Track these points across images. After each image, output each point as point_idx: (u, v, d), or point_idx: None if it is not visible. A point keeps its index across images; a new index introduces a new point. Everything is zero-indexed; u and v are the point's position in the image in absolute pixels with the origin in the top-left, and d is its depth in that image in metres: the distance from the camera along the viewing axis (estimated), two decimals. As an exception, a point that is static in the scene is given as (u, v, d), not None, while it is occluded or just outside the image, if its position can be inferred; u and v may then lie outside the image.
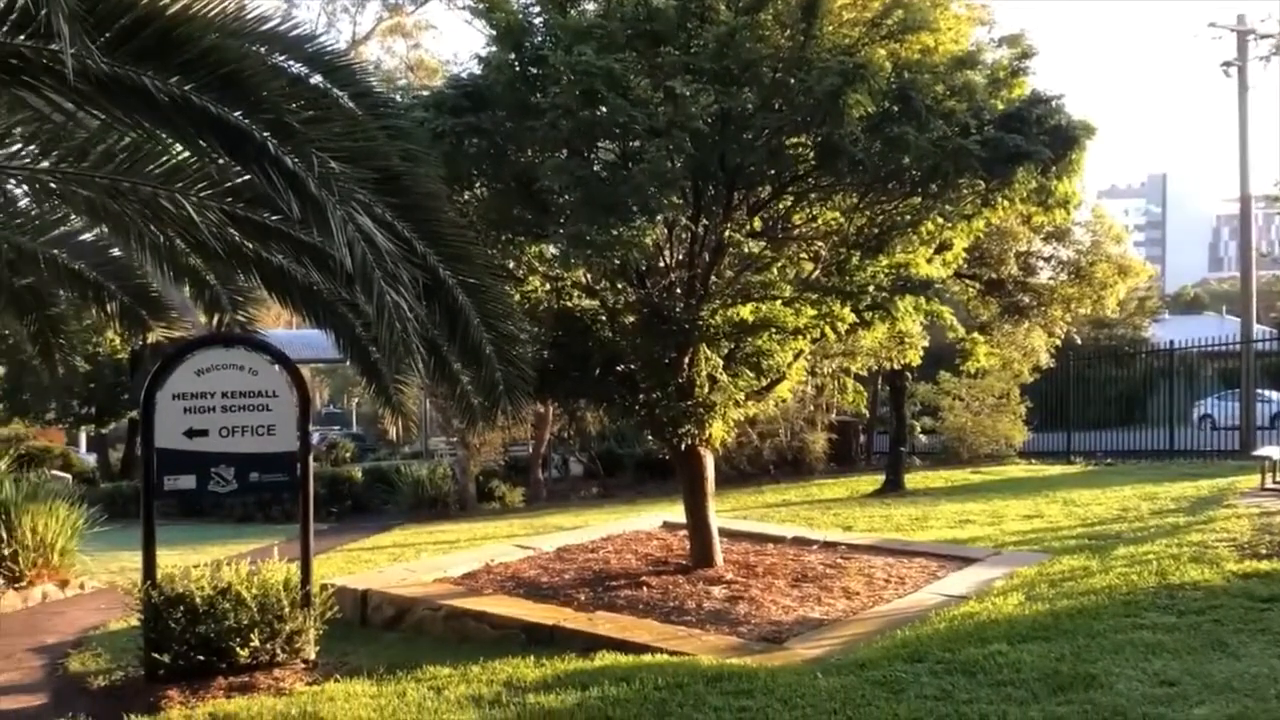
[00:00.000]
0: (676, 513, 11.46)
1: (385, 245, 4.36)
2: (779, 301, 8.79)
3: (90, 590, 11.14)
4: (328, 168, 4.08)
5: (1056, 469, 20.49)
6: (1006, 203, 8.87)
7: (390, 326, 4.46)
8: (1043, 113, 8.50)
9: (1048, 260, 19.03)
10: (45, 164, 5.30)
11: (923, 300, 9.04)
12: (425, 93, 9.58)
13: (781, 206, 9.37)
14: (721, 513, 10.89)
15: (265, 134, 4.03)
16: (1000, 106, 8.57)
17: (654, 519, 12.62)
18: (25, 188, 6.52)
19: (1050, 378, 22.83)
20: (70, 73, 3.10)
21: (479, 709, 5.98)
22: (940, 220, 9.00)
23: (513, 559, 10.48)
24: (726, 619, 7.90)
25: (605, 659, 6.80)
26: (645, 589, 8.85)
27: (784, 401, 13.01)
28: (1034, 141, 8.23)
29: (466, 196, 8.66)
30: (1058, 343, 20.28)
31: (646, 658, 6.77)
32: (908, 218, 8.94)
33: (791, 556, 10.14)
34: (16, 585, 10.55)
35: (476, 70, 8.73)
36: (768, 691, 5.83)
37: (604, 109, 7.73)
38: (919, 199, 8.88)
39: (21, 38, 3.72)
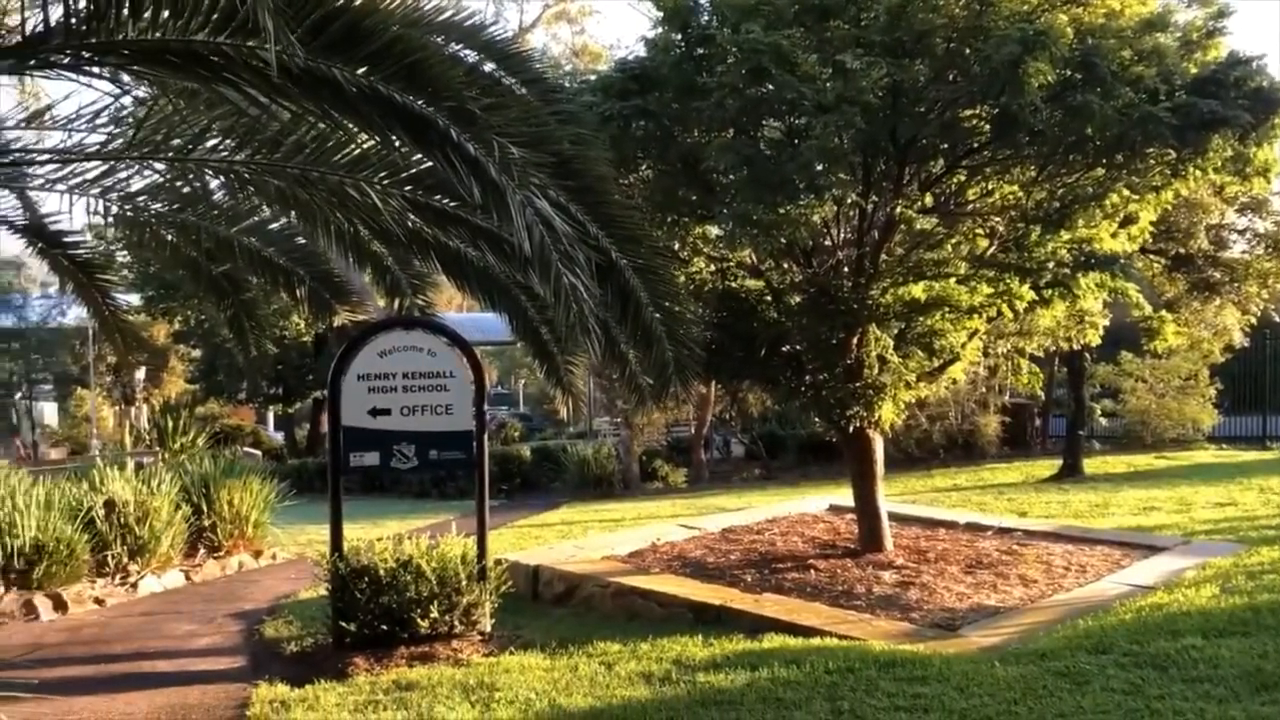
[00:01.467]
0: (842, 496, 11.30)
1: (563, 228, 4.43)
2: (953, 279, 8.53)
3: (281, 561, 11.79)
4: (507, 153, 4.17)
5: (1250, 455, 19.27)
6: (1199, 172, 8.32)
7: (567, 308, 4.53)
8: (1241, 75, 7.93)
9: (1242, 233, 17.87)
10: (241, 156, 5.60)
11: (1106, 277, 8.59)
12: (592, 77, 9.68)
13: (955, 181, 9.07)
14: (889, 497, 10.66)
15: (447, 121, 4.14)
16: (1193, 70, 8.04)
17: (819, 502, 12.47)
18: (221, 179, 6.90)
19: (1244, 358, 21.41)
20: (273, 67, 3.25)
21: (649, 686, 6.05)
22: (1126, 193, 8.53)
23: (678, 539, 10.55)
24: (897, 604, 7.75)
25: (774, 641, 6.78)
26: (812, 572, 8.76)
27: (955, 383, 12.62)
28: (1231, 106, 7.70)
29: (632, 179, 8.71)
30: (1253, 320, 18.99)
31: (815, 641, 6.71)
32: (1090, 190, 8.50)
33: (964, 542, 9.86)
34: (215, 554, 11.27)
35: (642, 53, 8.78)
36: (942, 679, 5.69)
37: (771, 86, 7.63)
38: (1103, 170, 8.44)
39: (223, 36, 3.93)
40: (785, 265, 9.01)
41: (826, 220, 8.71)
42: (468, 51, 5.05)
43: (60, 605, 9.06)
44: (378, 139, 4.99)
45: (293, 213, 6.91)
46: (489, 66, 5.18)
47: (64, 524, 9.50)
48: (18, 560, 9.07)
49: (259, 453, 21.88)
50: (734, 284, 9.26)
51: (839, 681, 5.75)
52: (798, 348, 9.03)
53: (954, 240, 8.92)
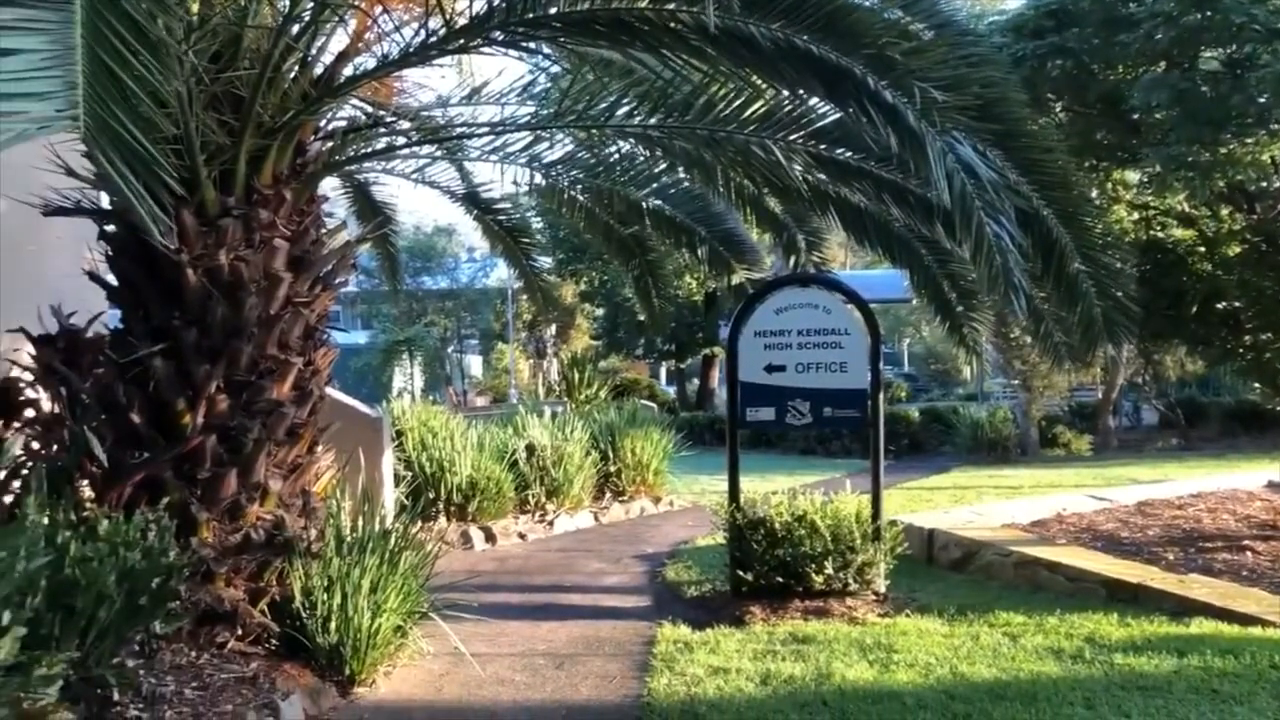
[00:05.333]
0: (1284, 472, 10.02)
1: (987, 175, 4.20)
2: None
3: (678, 508, 12.35)
4: (929, 97, 4.01)
5: None
6: None
7: (989, 261, 4.29)
8: None
9: None
10: (653, 120, 5.82)
11: None
12: (994, 18, 9.13)
13: None
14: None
15: (864, 70, 4.04)
16: None
17: (1255, 477, 11.16)
18: (631, 144, 7.25)
19: None
20: (712, 28, 3.32)
21: (1059, 662, 5.70)
22: None
23: (1085, 509, 9.86)
24: (1361, 599, 6.74)
25: (1204, 626, 6.15)
26: (1249, 554, 7.84)
27: None
28: None
29: (1043, 122, 8.14)
30: None
31: (1256, 630, 6.01)
32: None
33: None
34: (620, 498, 12.02)
35: (1057, -12, 8.13)
36: None
37: (1211, 11, 6.79)
38: None
39: (645, 2, 4.08)
40: (1223, 212, 8.04)
41: (1276, 160, 7.66)
42: (870, -1, 4.91)
43: (490, 537, 10.07)
44: (787, 94, 4.99)
45: (695, 173, 7.12)
46: (894, 13, 5.00)
47: (493, 464, 10.51)
48: (455, 495, 10.16)
49: (654, 406, 23.03)
50: (1159, 234, 8.41)
51: (1289, 679, 5.11)
52: (1235, 304, 8.07)
53: None
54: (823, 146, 5.69)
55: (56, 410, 5.81)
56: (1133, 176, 8.37)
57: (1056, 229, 5.09)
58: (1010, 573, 7.85)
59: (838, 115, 5.24)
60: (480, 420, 12.00)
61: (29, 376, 6.20)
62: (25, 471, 5.38)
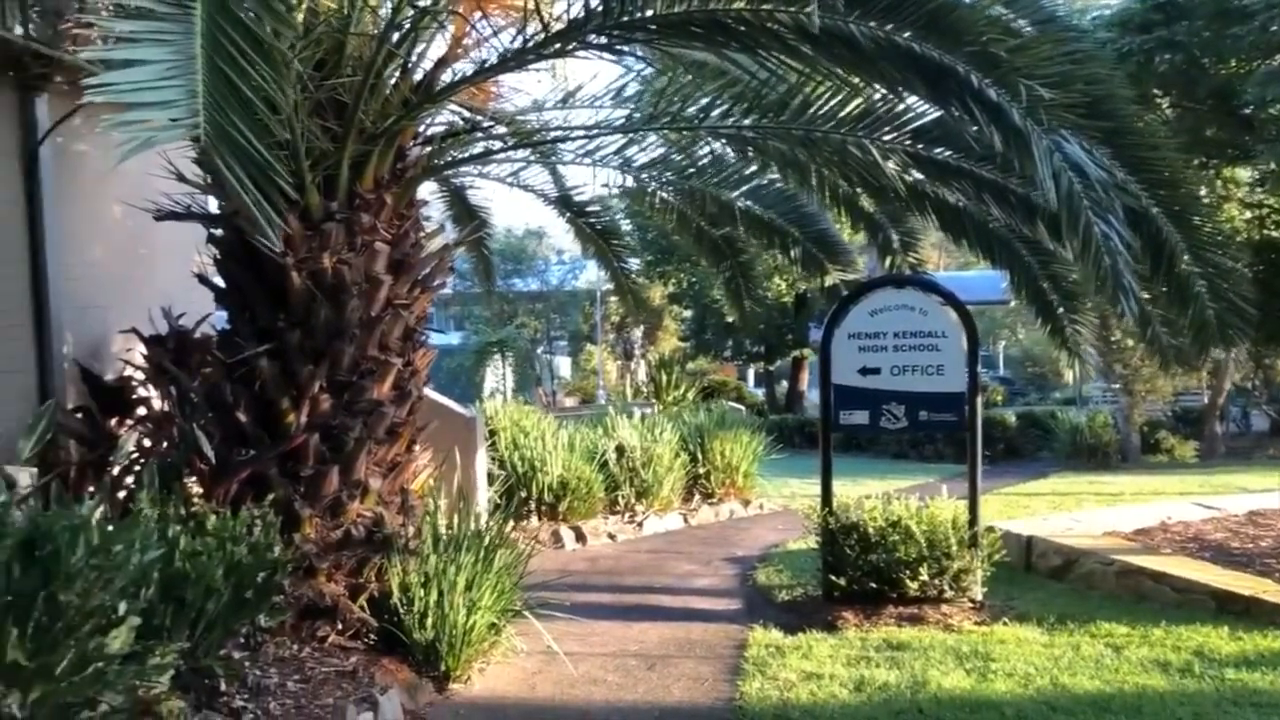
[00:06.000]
0: None
1: (1096, 174, 4.08)
2: None
3: (767, 511, 12.28)
4: (1034, 95, 3.92)
5: None
6: None
7: (1097, 261, 4.18)
8: None
9: None
10: (748, 121, 5.80)
11: None
12: (1103, 12, 8.89)
13: None
14: None
15: (967, 67, 3.97)
16: None
17: (1376, 488, 10.65)
18: (722, 145, 7.23)
19: None
20: (815, 28, 3.30)
21: (1165, 675, 5.53)
22: None
23: (1192, 518, 9.54)
24: None
25: (1324, 644, 5.90)
26: (1370, 569, 7.50)
27: None
28: None
29: (1151, 119, 7.89)
30: None
31: (1382, 650, 5.75)
32: None
33: None
34: (709, 500, 12.00)
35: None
36: None
37: (1331, 2, 6.53)
38: None
39: (741, 2, 4.07)
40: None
41: (1400, 156, 7.33)
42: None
43: (580, 537, 10.13)
44: (883, 92, 4.92)
45: (788, 174, 7.08)
46: (998, 10, 4.90)
47: (583, 464, 10.58)
48: (546, 495, 10.25)
49: (742, 408, 22.93)
50: (1273, 233, 8.09)
51: None
52: (1355, 307, 7.72)
53: None
54: (920, 145, 5.61)
55: (167, 409, 6.03)
56: (1245, 174, 8.08)
57: (1166, 228, 4.93)
58: (1112, 582, 7.64)
59: (937, 114, 5.15)
60: (569, 421, 12.09)
61: (141, 376, 6.45)
62: (138, 468, 5.59)
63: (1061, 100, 4.08)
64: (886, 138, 5.48)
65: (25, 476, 4.54)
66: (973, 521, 7.21)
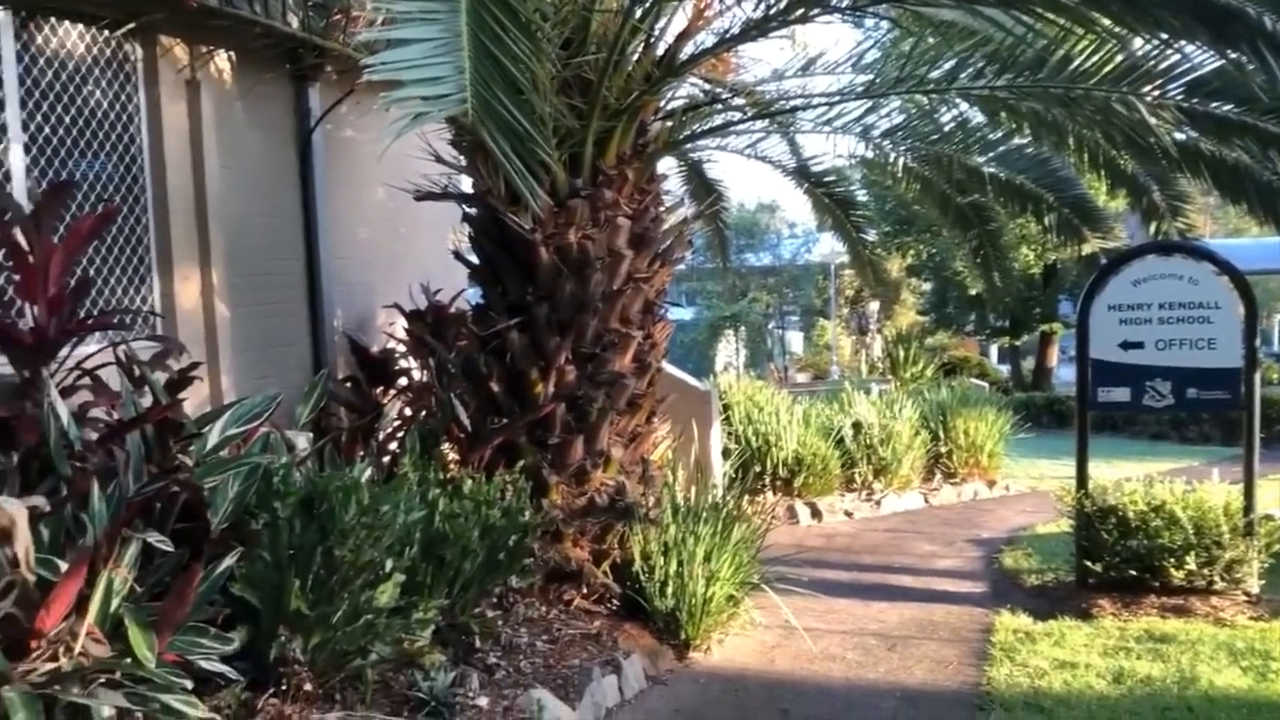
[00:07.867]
0: None
1: None
2: None
3: (1014, 492, 11.76)
4: (1342, 36, 3.53)
5: None
6: None
7: None
8: None
9: None
10: (1001, 81, 5.51)
11: None
12: None
13: None
14: None
15: (1259, 9, 3.61)
16: None
17: None
18: (969, 107, 6.92)
19: None
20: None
21: None
22: None
23: None
24: None
25: None
26: None
27: None
28: None
29: None
30: None
31: None
32: None
33: None
34: (951, 480, 11.61)
35: None
36: None
37: None
38: None
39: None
40: None
41: None
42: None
43: (816, 513, 10.04)
44: (1150, 44, 4.55)
45: (1043, 135, 6.70)
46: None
47: (818, 440, 10.46)
48: (781, 470, 10.20)
49: (985, 385, 22.04)
50: None
51: None
52: None
53: None
54: (1195, 100, 5.15)
55: (426, 379, 6.39)
56: None
57: None
58: None
59: (1215, 64, 4.72)
60: (803, 396, 11.96)
61: (402, 348, 6.87)
62: (401, 434, 5.96)
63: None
64: (1156, 93, 5.07)
65: (303, 440, 4.92)
66: (1248, 508, 6.67)
